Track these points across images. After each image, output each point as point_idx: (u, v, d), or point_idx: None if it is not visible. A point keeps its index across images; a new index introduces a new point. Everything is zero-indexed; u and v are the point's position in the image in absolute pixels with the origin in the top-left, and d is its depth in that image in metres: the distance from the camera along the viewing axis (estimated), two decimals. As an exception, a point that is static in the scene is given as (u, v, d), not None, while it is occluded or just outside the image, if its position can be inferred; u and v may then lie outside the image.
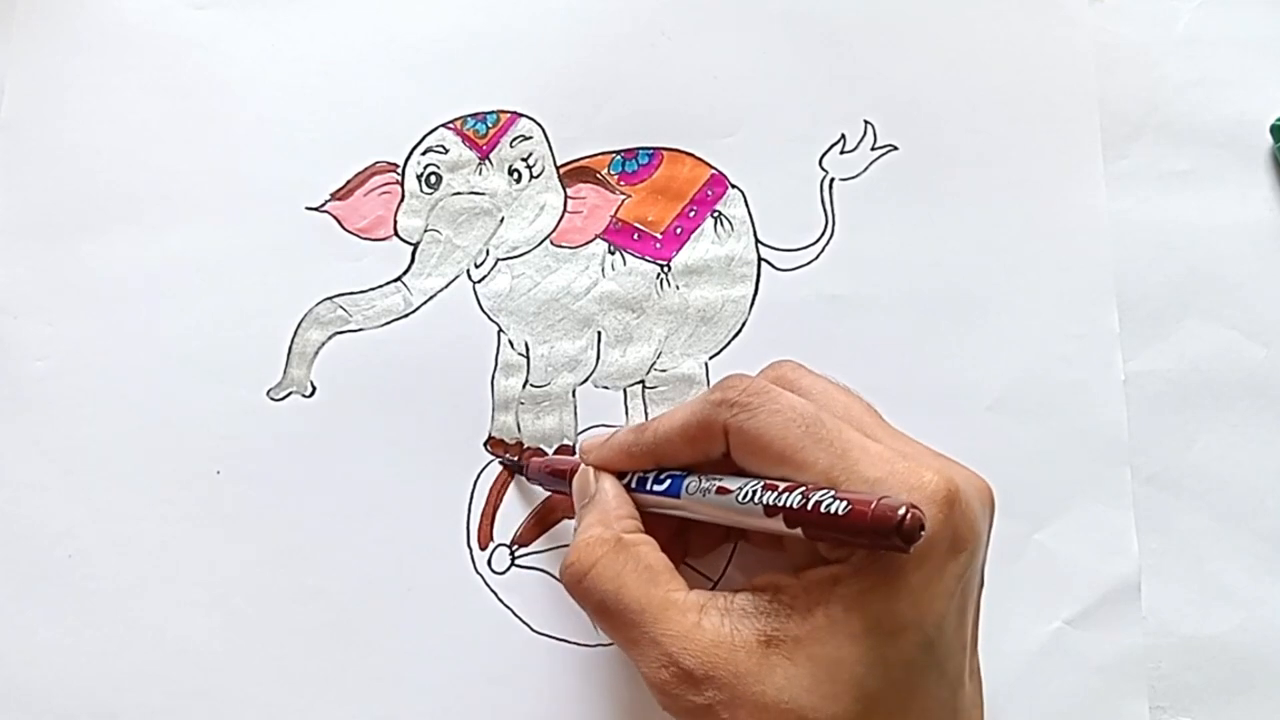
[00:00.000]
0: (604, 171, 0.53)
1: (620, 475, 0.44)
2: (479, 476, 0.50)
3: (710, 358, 0.52)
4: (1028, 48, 0.54)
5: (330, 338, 0.51)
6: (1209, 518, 0.50)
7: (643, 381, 0.52)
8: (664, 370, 0.52)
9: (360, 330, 0.52)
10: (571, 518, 0.50)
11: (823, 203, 0.53)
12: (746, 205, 0.53)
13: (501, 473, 0.50)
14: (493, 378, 0.51)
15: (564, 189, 0.53)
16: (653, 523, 0.43)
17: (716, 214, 0.53)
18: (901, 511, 0.34)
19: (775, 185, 0.53)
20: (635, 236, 0.52)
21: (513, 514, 0.50)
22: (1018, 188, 0.53)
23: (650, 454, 0.43)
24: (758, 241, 0.52)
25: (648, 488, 0.43)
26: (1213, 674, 0.48)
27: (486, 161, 0.53)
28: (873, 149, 0.53)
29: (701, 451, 0.42)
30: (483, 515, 0.50)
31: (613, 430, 0.46)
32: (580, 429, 0.51)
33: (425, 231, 0.53)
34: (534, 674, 0.48)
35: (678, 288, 0.52)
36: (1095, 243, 0.52)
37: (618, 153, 0.53)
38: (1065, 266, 0.52)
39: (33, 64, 0.55)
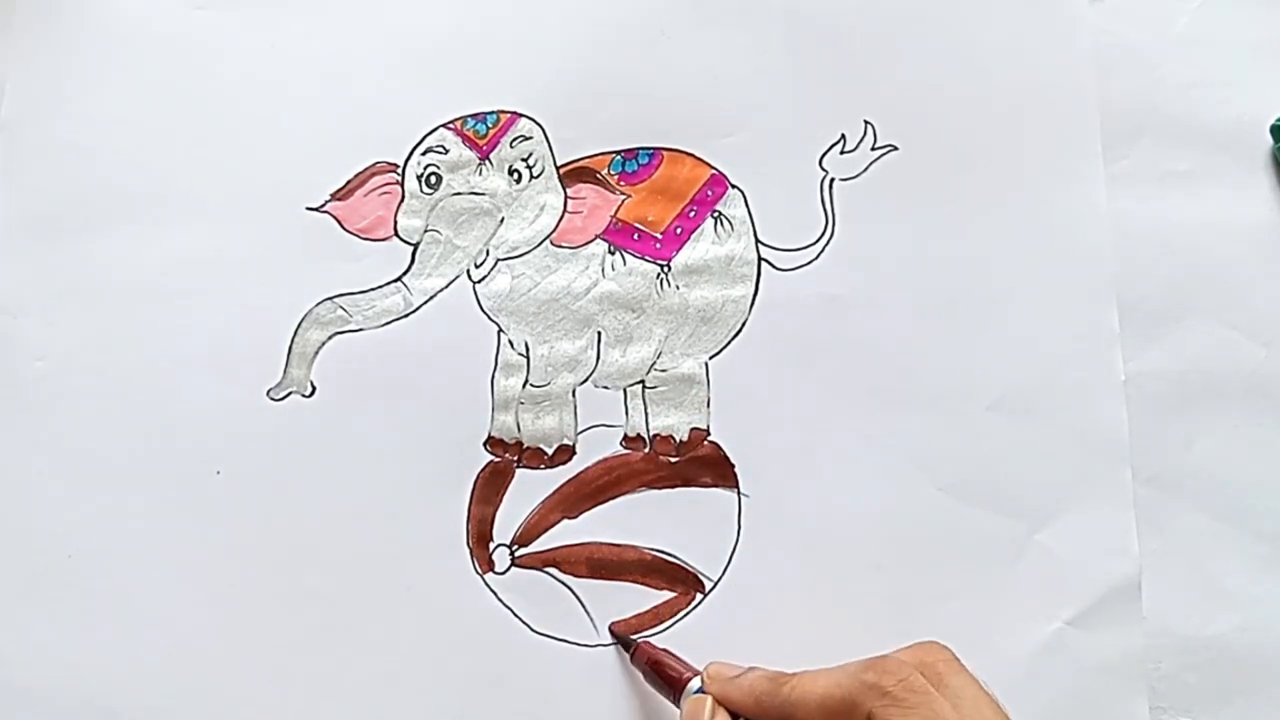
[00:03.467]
0: (604, 171, 0.53)
1: (734, 716, 0.43)
2: (479, 476, 0.50)
3: (710, 358, 0.52)
4: (1028, 48, 0.54)
5: (330, 338, 0.51)
6: (1209, 518, 0.50)
7: (643, 381, 0.52)
8: (664, 370, 0.52)
9: (360, 330, 0.52)
10: (573, 519, 0.50)
11: (823, 203, 0.53)
12: (746, 205, 0.53)
13: (502, 473, 0.50)
14: (493, 378, 0.51)
15: (564, 189, 0.53)
16: None
17: (716, 214, 0.53)
18: None
19: (775, 185, 0.53)
20: (635, 236, 0.52)
21: (513, 514, 0.50)
22: (1018, 188, 0.53)
23: (780, 711, 0.42)
24: (758, 241, 0.52)
25: None
26: (1213, 674, 0.48)
27: (486, 162, 0.53)
28: (873, 149, 0.53)
29: None
30: (483, 515, 0.50)
31: (743, 669, 0.45)
32: (580, 429, 0.51)
33: (425, 232, 0.53)
34: (534, 674, 0.48)
35: (678, 288, 0.52)
36: (1095, 243, 0.52)
37: (618, 153, 0.53)
38: (1065, 267, 0.52)
39: (33, 64, 0.55)
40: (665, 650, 0.47)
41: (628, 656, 0.48)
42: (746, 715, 0.43)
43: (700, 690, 0.44)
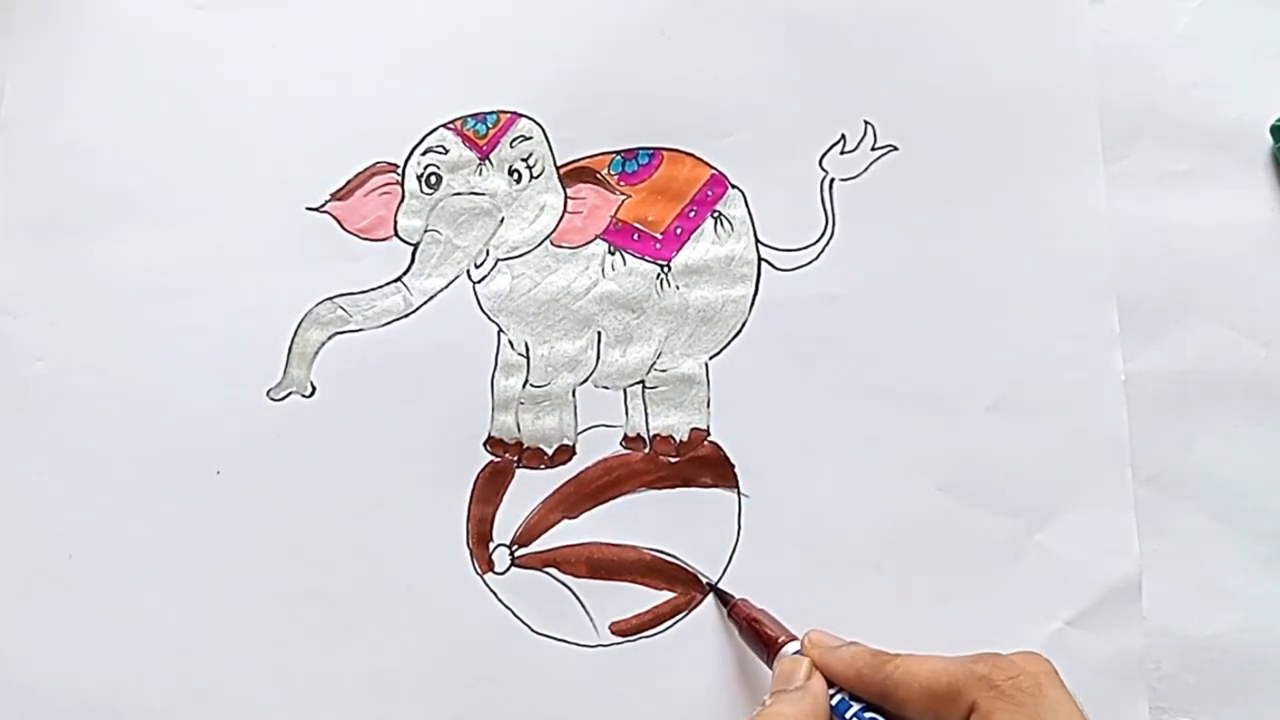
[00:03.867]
0: (604, 171, 0.53)
1: (829, 684, 0.44)
2: (479, 476, 0.50)
3: (710, 358, 0.52)
4: (1028, 48, 0.54)
5: (330, 338, 0.51)
6: (1209, 518, 0.50)
7: (643, 381, 0.52)
8: (664, 370, 0.52)
9: (360, 330, 0.52)
10: (573, 519, 0.50)
11: (823, 203, 0.53)
12: (746, 205, 0.53)
13: (502, 473, 0.50)
14: (493, 378, 0.51)
15: (564, 189, 0.53)
16: None
17: (716, 214, 0.53)
18: None
19: (775, 185, 0.53)
20: (635, 236, 0.52)
21: (513, 514, 0.50)
22: (1018, 188, 0.53)
23: (881, 688, 0.42)
24: (758, 241, 0.52)
25: (848, 715, 0.43)
26: (1213, 674, 0.48)
27: (486, 162, 0.53)
28: (873, 149, 0.53)
29: (934, 711, 0.41)
30: (483, 515, 0.50)
31: (844, 640, 0.45)
32: (580, 429, 0.51)
33: (425, 232, 0.53)
34: (534, 674, 0.48)
35: (678, 288, 0.52)
36: (1095, 243, 0.52)
37: (618, 153, 0.53)
38: (1065, 266, 0.52)
39: (33, 64, 0.55)
40: (763, 610, 0.47)
41: (724, 610, 0.48)
42: (844, 686, 0.43)
43: (798, 654, 0.45)
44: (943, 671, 0.41)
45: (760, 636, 0.46)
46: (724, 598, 0.49)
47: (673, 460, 0.51)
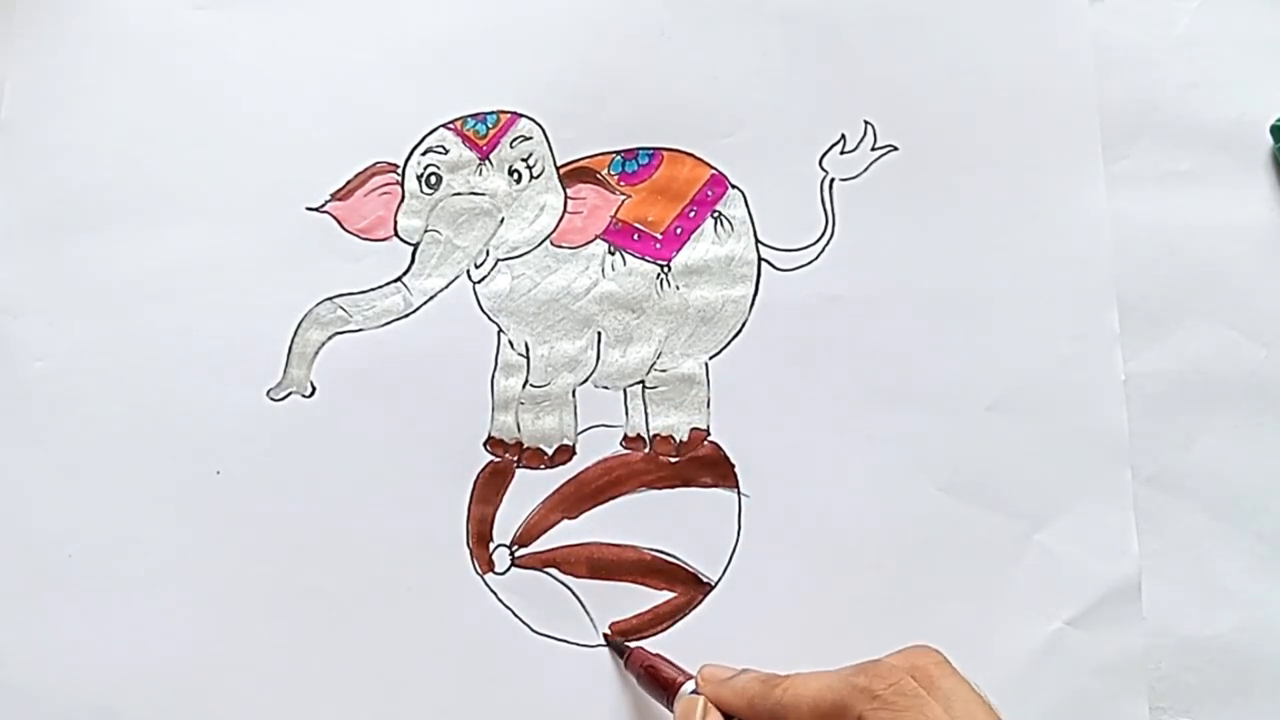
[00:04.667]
0: (604, 172, 0.53)
1: (726, 717, 0.43)
2: (479, 476, 0.50)
3: (710, 358, 0.52)
4: (1028, 48, 0.54)
5: (330, 338, 0.51)
6: (1209, 518, 0.50)
7: (643, 382, 0.52)
8: (664, 370, 0.52)
9: (360, 330, 0.52)
10: (572, 519, 0.50)
11: (823, 203, 0.53)
12: (746, 205, 0.53)
13: (502, 473, 0.50)
14: (493, 378, 0.51)
15: (564, 189, 0.53)
16: None
17: (716, 214, 0.53)
18: None
19: (775, 185, 0.53)
20: (635, 237, 0.52)
21: (513, 514, 0.50)
22: (1018, 188, 0.53)
23: (772, 713, 0.42)
24: (758, 241, 0.52)
25: None
26: (1213, 674, 0.48)
27: (486, 162, 0.53)
28: (873, 149, 0.53)
29: None
30: (483, 515, 0.50)
31: (736, 670, 0.45)
32: (580, 429, 0.51)
33: (425, 232, 0.53)
34: (534, 674, 0.48)
35: (678, 288, 0.52)
36: (1095, 243, 0.52)
37: (618, 153, 0.53)
38: (1065, 266, 0.52)
39: (33, 64, 0.55)
40: (659, 655, 0.47)
41: (621, 662, 0.48)
42: (739, 716, 0.43)
43: (694, 692, 0.44)
44: (826, 689, 0.41)
45: (659, 680, 0.46)
46: (619, 648, 0.48)
47: (673, 460, 0.51)
